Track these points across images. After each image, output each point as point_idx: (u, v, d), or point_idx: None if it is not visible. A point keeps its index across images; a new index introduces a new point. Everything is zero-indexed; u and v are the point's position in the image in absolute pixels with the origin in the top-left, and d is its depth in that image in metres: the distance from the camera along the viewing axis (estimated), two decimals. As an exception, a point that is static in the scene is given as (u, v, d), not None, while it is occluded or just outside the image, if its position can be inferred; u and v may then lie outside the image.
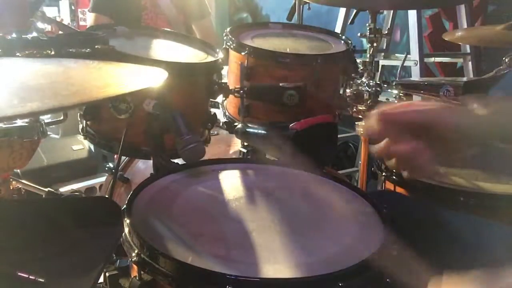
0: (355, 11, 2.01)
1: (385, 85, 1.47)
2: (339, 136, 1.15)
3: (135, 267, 0.73)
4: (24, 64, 0.86)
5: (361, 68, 1.46)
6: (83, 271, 0.63)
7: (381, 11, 2.62)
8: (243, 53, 1.27)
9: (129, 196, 0.85)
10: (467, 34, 2.06)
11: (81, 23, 6.17)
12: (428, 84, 1.47)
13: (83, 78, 0.75)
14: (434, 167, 0.72)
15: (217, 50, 1.30)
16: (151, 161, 1.06)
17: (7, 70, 0.77)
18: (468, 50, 2.75)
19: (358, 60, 1.42)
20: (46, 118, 1.14)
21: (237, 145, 1.35)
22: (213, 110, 1.26)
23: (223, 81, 1.25)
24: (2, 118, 0.45)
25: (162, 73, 0.76)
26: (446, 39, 1.80)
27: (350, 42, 1.43)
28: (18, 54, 0.94)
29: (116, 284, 0.84)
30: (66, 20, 6.24)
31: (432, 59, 2.89)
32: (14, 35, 0.96)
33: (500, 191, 1.07)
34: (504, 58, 1.63)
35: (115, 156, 1.47)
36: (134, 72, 0.82)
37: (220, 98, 1.29)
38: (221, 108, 1.38)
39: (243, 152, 1.28)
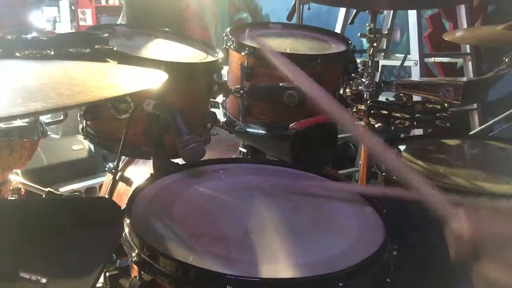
0: (355, 11, 2.01)
1: (385, 85, 1.47)
2: (339, 136, 1.15)
3: (135, 267, 0.73)
4: (26, 65, 0.86)
5: (361, 68, 1.46)
6: (83, 271, 0.63)
7: (381, 11, 2.63)
8: (243, 53, 1.27)
9: (129, 196, 0.85)
10: (467, 34, 2.06)
11: (81, 23, 6.18)
12: (428, 84, 1.46)
13: (85, 78, 0.75)
14: None
15: (217, 50, 1.30)
16: (151, 161, 1.06)
17: (9, 71, 0.77)
18: (468, 50, 2.74)
19: (358, 60, 1.42)
20: (46, 118, 1.14)
21: (237, 145, 1.35)
22: (213, 110, 1.26)
23: (223, 81, 1.25)
24: (6, 118, 0.45)
25: (162, 75, 0.76)
26: (446, 39, 1.79)
27: (350, 42, 1.43)
28: (17, 54, 0.93)
29: (116, 284, 0.84)
30: (66, 20, 6.25)
31: (432, 59, 2.89)
32: (14, 35, 0.96)
33: (500, 191, 1.07)
34: (504, 58, 1.63)
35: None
36: (135, 73, 0.82)
37: (220, 98, 1.29)
38: (221, 108, 1.38)
39: (243, 152, 1.28)
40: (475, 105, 2.66)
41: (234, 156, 1.31)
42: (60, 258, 0.66)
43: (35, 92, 0.60)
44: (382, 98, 1.46)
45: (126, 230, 0.75)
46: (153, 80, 0.74)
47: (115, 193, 1.29)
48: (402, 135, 1.82)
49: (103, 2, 6.35)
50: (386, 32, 1.60)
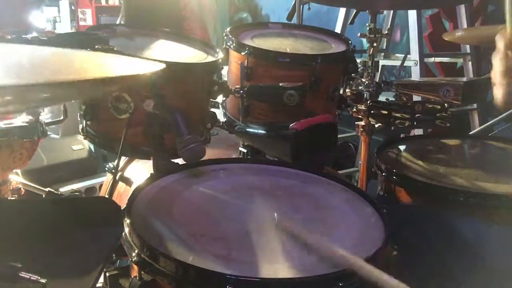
0: (355, 11, 2.01)
1: (385, 85, 1.47)
2: (339, 136, 1.15)
3: (135, 267, 0.73)
4: (25, 48, 0.85)
5: (361, 68, 1.46)
6: (83, 271, 0.63)
7: (381, 11, 2.62)
8: (243, 53, 1.27)
9: (129, 196, 0.85)
10: (467, 34, 2.06)
11: (81, 23, 6.17)
12: (428, 84, 1.46)
13: (82, 62, 0.75)
14: None
15: (217, 50, 1.30)
16: (151, 161, 1.06)
17: (7, 52, 0.77)
18: (468, 50, 2.74)
19: (358, 60, 1.42)
20: (46, 118, 1.14)
21: (237, 145, 1.35)
22: (213, 110, 1.26)
23: (223, 81, 1.25)
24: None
25: (159, 64, 0.76)
26: (446, 39, 1.79)
27: (350, 42, 1.43)
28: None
29: (116, 284, 0.84)
30: (66, 20, 6.25)
31: (432, 59, 2.88)
32: (14, 35, 0.96)
33: (500, 191, 1.07)
34: (504, 58, 1.63)
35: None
36: (132, 62, 0.82)
37: (220, 98, 1.29)
38: (221, 108, 1.38)
39: (243, 152, 1.28)
40: (475, 105, 2.66)
41: (234, 156, 1.31)
42: (60, 258, 0.66)
43: (33, 68, 0.59)
44: (382, 98, 1.46)
45: (126, 230, 0.75)
46: (149, 67, 0.74)
47: (115, 193, 1.29)
48: (402, 135, 1.82)
49: (103, 2, 6.34)
50: (386, 32, 1.60)
